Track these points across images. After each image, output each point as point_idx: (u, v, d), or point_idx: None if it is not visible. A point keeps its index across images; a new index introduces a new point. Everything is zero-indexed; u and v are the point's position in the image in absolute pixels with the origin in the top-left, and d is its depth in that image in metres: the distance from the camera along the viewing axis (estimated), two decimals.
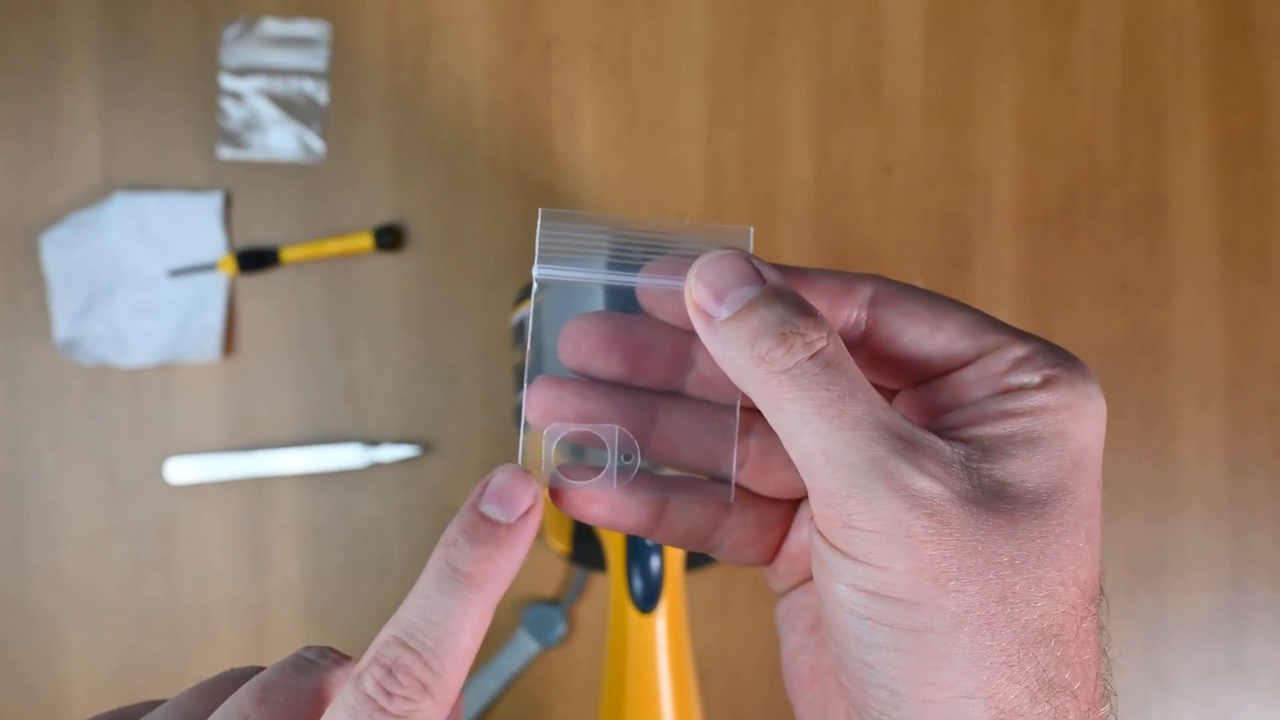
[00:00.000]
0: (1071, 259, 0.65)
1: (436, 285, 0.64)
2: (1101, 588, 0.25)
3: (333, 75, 0.64)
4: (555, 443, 0.27)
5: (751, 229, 0.26)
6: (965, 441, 0.24)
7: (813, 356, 0.23)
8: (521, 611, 0.62)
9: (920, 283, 0.64)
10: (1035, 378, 0.24)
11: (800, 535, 0.29)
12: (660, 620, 0.50)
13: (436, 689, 0.24)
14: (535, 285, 0.27)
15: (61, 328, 0.62)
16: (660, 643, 0.50)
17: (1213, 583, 0.64)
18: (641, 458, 0.27)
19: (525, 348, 0.47)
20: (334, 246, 0.63)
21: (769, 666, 0.63)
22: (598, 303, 0.30)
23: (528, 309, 0.47)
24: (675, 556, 0.52)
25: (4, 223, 0.64)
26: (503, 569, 0.26)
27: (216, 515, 0.63)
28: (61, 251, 0.63)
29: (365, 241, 0.63)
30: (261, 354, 0.63)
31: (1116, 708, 0.25)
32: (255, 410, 0.63)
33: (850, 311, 0.26)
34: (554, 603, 0.62)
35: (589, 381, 0.27)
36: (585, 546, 0.57)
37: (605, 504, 0.28)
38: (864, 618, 0.23)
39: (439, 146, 0.64)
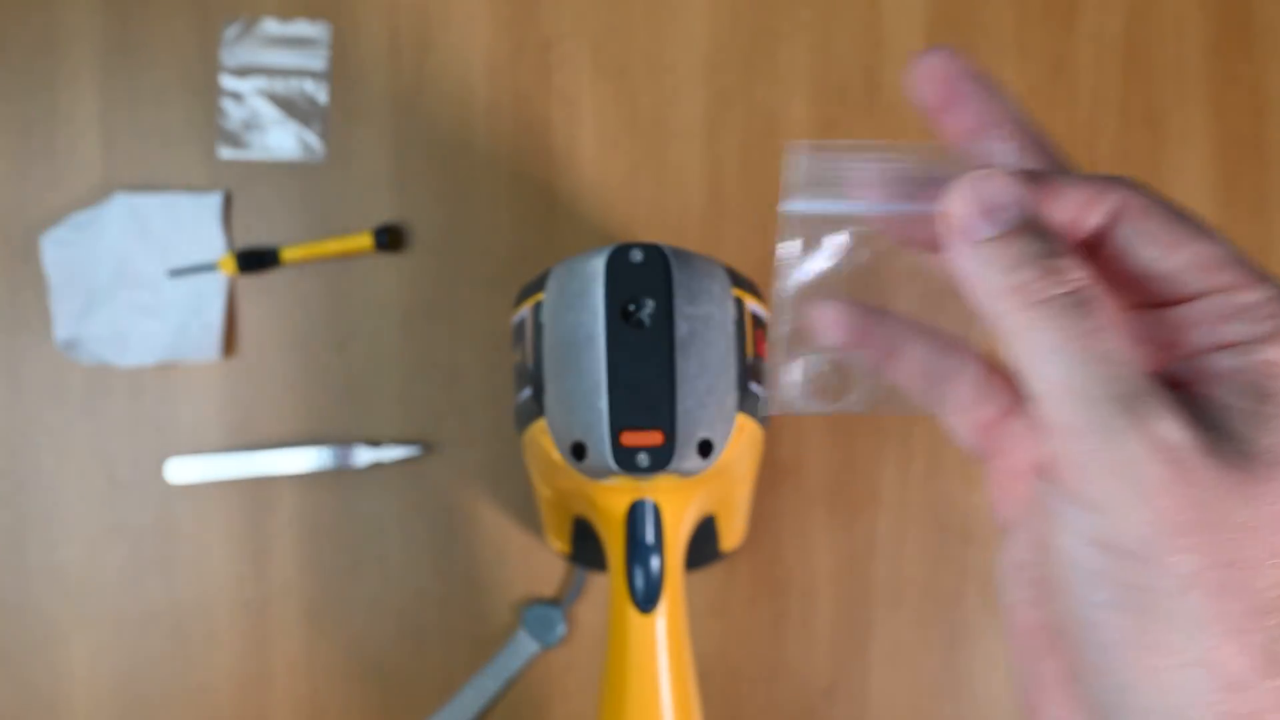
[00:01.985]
0: None
1: (437, 285, 0.64)
2: None
3: (333, 75, 0.64)
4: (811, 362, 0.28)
5: (1015, 147, 0.26)
6: (1197, 398, 0.23)
7: (1070, 292, 0.23)
8: (521, 611, 0.62)
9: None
10: (1262, 329, 0.23)
11: (1017, 428, 0.28)
12: (660, 620, 0.50)
13: None
14: (781, 219, 0.27)
15: (61, 328, 0.62)
16: (660, 643, 0.50)
17: None
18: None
19: (524, 348, 0.47)
20: (334, 246, 0.63)
21: (769, 666, 0.63)
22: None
23: (527, 309, 0.47)
24: (676, 556, 0.52)
25: (4, 223, 0.64)
26: None
27: (216, 515, 0.63)
28: (61, 251, 0.63)
29: (365, 241, 0.63)
30: (262, 354, 0.63)
31: None
32: (255, 410, 0.63)
33: (1094, 221, 0.25)
34: (554, 603, 0.63)
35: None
36: (585, 546, 0.57)
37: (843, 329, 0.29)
38: (1090, 571, 0.22)
39: (439, 147, 0.64)
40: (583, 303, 0.42)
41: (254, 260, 0.63)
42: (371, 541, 0.63)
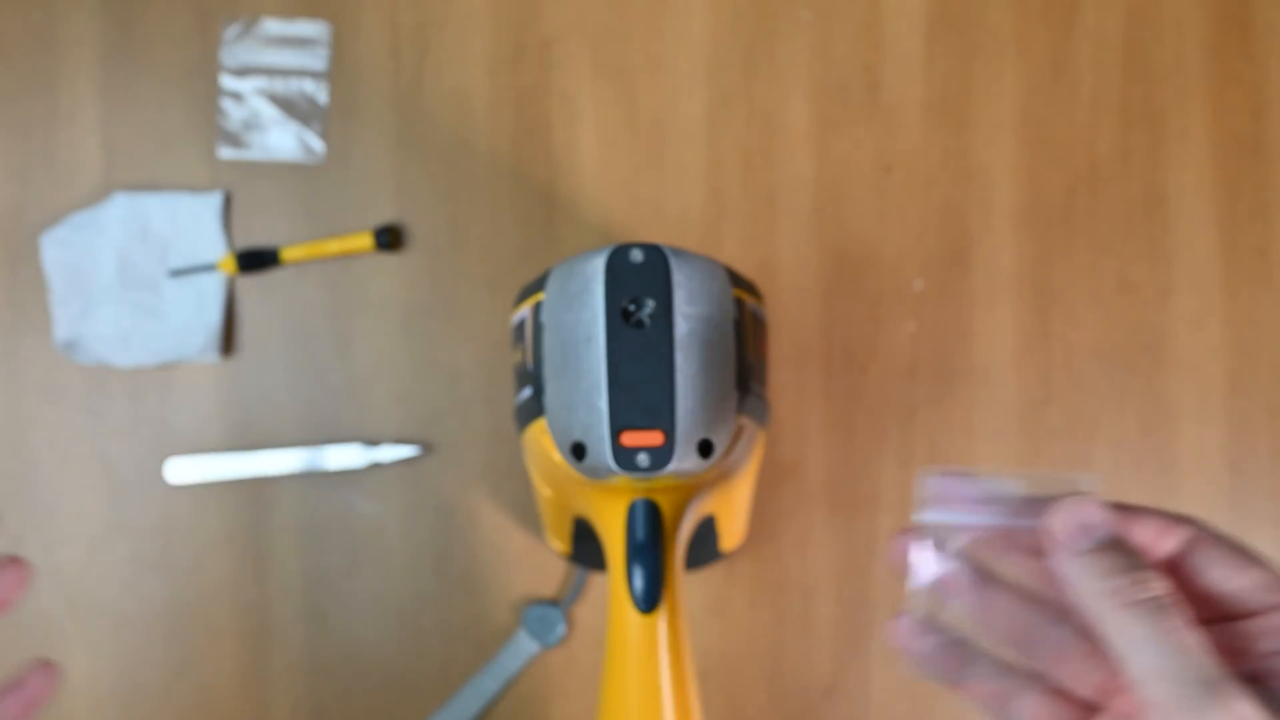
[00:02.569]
0: (1071, 259, 0.65)
1: (436, 285, 0.64)
2: None
3: (333, 75, 0.64)
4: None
5: (1099, 477, 0.32)
6: (1266, 691, 0.28)
7: (1154, 598, 0.29)
8: (521, 612, 0.62)
9: (920, 283, 0.65)
10: None
11: None
12: (661, 620, 0.50)
13: None
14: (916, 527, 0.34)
15: (61, 328, 0.62)
16: (661, 643, 0.50)
17: None
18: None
19: (524, 348, 0.47)
20: (334, 246, 0.63)
21: (769, 667, 0.63)
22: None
23: (527, 309, 0.47)
24: (676, 557, 0.52)
25: (4, 223, 0.64)
26: None
27: (216, 515, 0.63)
28: (61, 251, 0.63)
29: (365, 241, 0.63)
30: (261, 354, 0.63)
31: None
32: (255, 410, 0.63)
33: (1168, 547, 0.32)
34: (554, 603, 0.62)
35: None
36: (585, 546, 0.57)
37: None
38: None
39: (439, 146, 0.64)
40: (583, 303, 0.42)
41: (254, 260, 0.63)
42: (371, 542, 0.63)
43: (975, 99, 0.65)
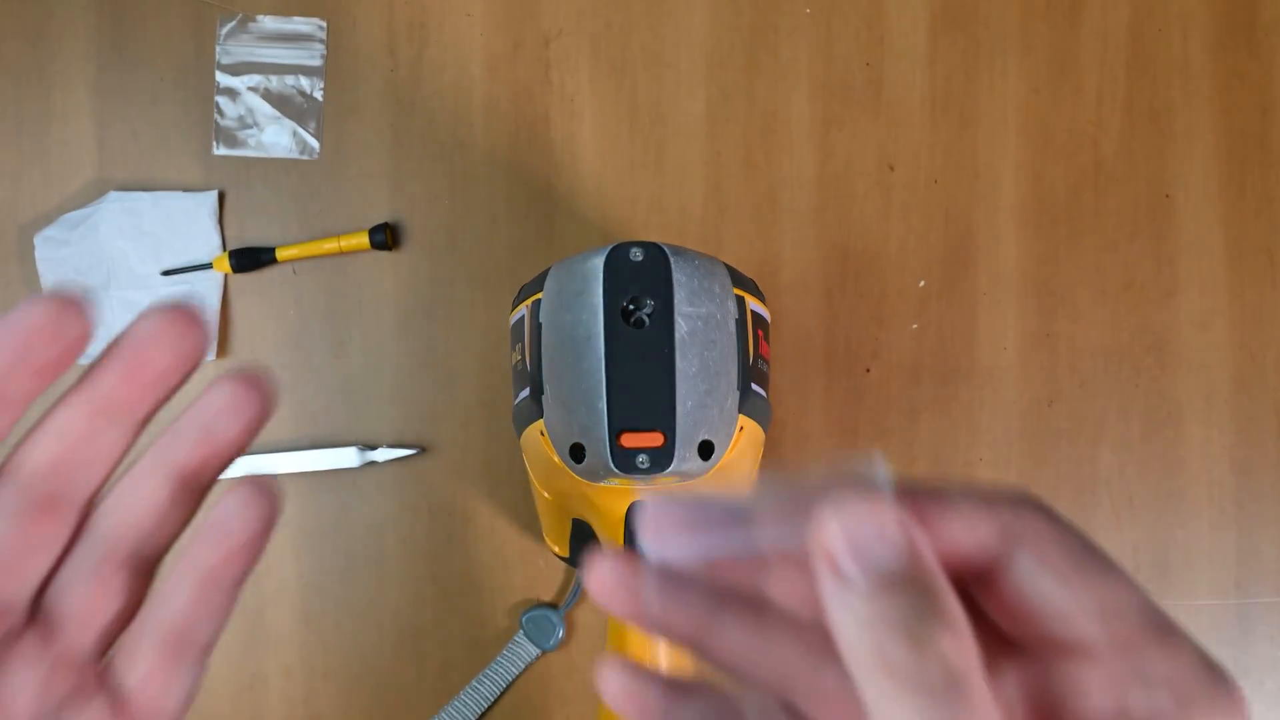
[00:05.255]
0: (1076, 258, 0.64)
1: (433, 284, 0.63)
2: None
3: (328, 72, 0.64)
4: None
5: (880, 456, 0.22)
6: None
7: (943, 672, 0.20)
8: (520, 615, 0.62)
9: (922, 283, 0.64)
10: (1167, 702, 0.21)
11: None
12: None
13: None
14: (646, 582, 0.24)
15: None
16: (660, 647, 0.50)
17: (1218, 587, 0.63)
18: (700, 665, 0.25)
19: (523, 348, 0.47)
20: (330, 245, 0.62)
21: None
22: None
23: (525, 309, 0.46)
24: None
25: None
26: None
27: None
28: (54, 250, 0.62)
29: (361, 240, 0.62)
30: (256, 354, 0.63)
31: None
32: None
33: (987, 542, 0.22)
34: (552, 606, 0.62)
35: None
36: (584, 550, 0.57)
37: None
38: None
39: (436, 144, 0.63)
40: (582, 302, 0.42)
41: (249, 259, 0.62)
42: (368, 544, 0.62)
43: (979, 96, 0.64)
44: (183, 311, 0.24)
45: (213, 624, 0.25)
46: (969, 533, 0.22)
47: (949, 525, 0.22)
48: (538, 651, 0.61)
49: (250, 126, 0.63)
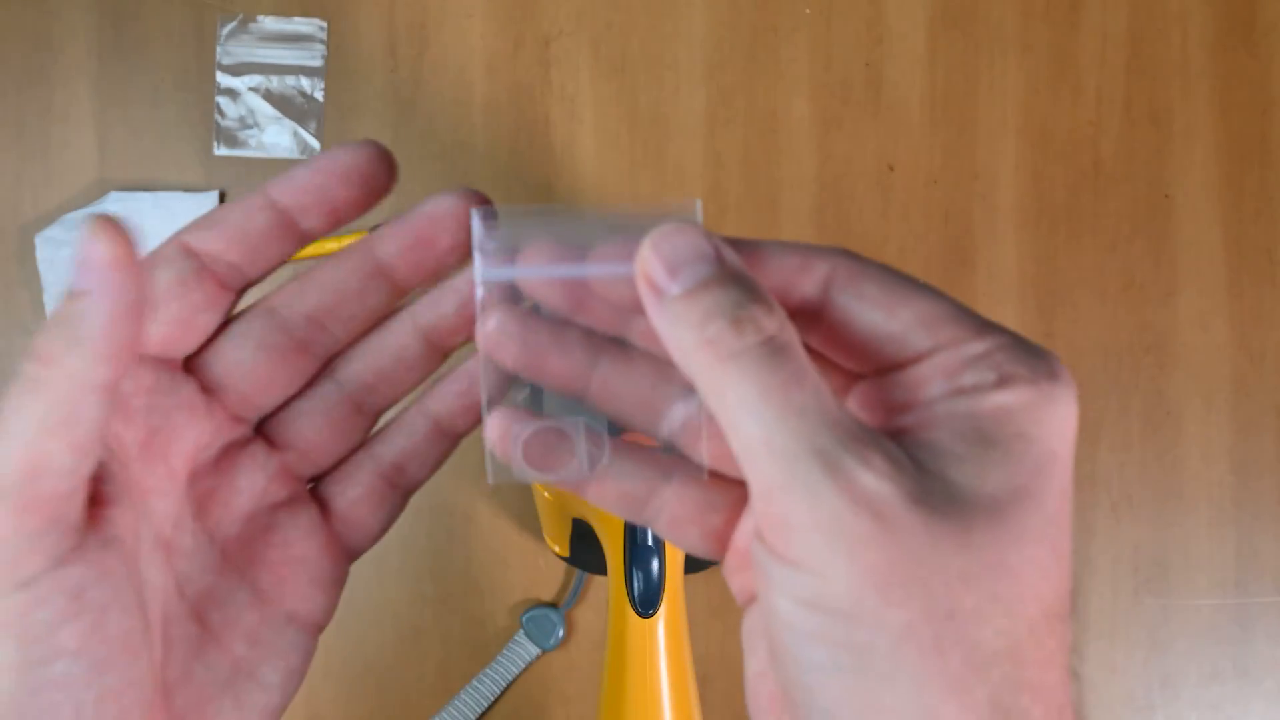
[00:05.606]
0: (1075, 258, 0.64)
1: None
2: (1072, 604, 0.23)
3: (329, 72, 0.64)
4: (523, 435, 0.27)
5: (699, 201, 0.25)
6: (918, 444, 0.22)
7: (763, 342, 0.22)
8: (520, 615, 0.62)
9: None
10: (990, 376, 0.22)
11: (749, 529, 0.27)
12: (660, 624, 0.50)
13: None
14: (481, 290, 0.25)
15: None
16: (660, 646, 0.50)
17: (1218, 586, 0.64)
18: (585, 411, 0.27)
19: None
20: (331, 245, 0.62)
21: None
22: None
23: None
24: (675, 559, 0.51)
25: None
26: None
27: None
28: (55, 251, 0.62)
29: None
30: None
31: None
32: None
33: (806, 289, 0.24)
34: (553, 606, 0.62)
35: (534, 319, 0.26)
36: (584, 549, 0.57)
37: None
38: (802, 634, 0.21)
39: (436, 144, 0.64)
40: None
41: None
42: None
43: (978, 97, 0.65)
44: (478, 199, 0.26)
45: (426, 469, 0.30)
46: (790, 277, 0.24)
47: (770, 273, 0.24)
48: (538, 651, 0.61)
49: (251, 127, 0.63)
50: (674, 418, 0.26)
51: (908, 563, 0.20)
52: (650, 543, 0.49)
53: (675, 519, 0.27)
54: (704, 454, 0.26)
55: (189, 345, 0.26)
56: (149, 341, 0.25)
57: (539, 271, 0.25)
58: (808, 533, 0.21)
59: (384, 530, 0.30)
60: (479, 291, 0.25)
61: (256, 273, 0.27)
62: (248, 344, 0.27)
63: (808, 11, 0.64)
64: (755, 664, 0.27)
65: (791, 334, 0.22)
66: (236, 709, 0.26)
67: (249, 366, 0.27)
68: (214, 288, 0.26)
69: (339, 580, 0.30)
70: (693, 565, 0.55)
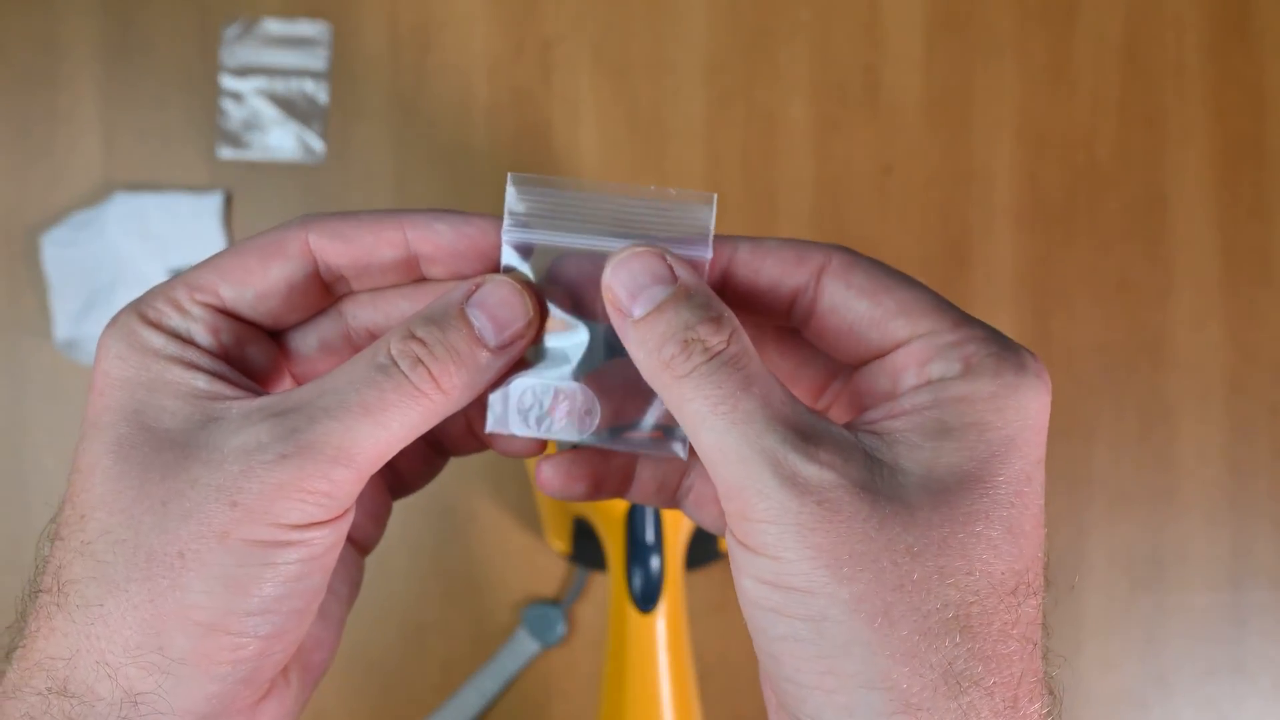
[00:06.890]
0: (1071, 259, 0.65)
1: None
2: (1045, 580, 0.24)
3: (333, 75, 0.64)
4: (519, 393, 0.27)
5: (715, 196, 0.26)
6: (877, 434, 0.24)
7: (710, 359, 0.24)
8: (521, 611, 0.62)
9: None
10: (956, 367, 0.24)
11: None
12: (660, 620, 0.50)
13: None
14: (505, 250, 0.27)
15: (62, 328, 0.62)
16: (660, 642, 0.50)
17: (1213, 584, 0.64)
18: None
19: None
20: None
21: None
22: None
23: None
24: (675, 556, 0.52)
25: (4, 223, 0.64)
26: (460, 391, 0.26)
27: None
28: (61, 251, 0.63)
29: None
30: None
31: (1059, 708, 0.24)
32: None
33: (799, 278, 0.26)
34: (554, 602, 0.62)
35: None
36: (585, 546, 0.57)
37: (564, 462, 0.29)
38: (766, 610, 0.23)
39: (439, 147, 0.64)
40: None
41: None
42: None
43: (975, 99, 0.65)
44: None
45: (459, 428, 0.31)
46: (786, 269, 0.26)
47: (768, 267, 0.26)
48: (539, 647, 0.62)
49: (255, 129, 0.64)
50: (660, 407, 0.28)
51: (854, 541, 0.22)
52: (650, 540, 0.50)
53: (698, 499, 0.29)
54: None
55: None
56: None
57: (557, 240, 0.27)
58: (763, 525, 0.23)
59: (427, 481, 0.33)
60: (504, 251, 0.27)
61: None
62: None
63: (806, 15, 0.65)
64: (755, 641, 0.29)
65: (741, 343, 0.24)
66: (321, 615, 0.31)
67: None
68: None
69: (386, 515, 0.34)
70: (693, 561, 0.56)
